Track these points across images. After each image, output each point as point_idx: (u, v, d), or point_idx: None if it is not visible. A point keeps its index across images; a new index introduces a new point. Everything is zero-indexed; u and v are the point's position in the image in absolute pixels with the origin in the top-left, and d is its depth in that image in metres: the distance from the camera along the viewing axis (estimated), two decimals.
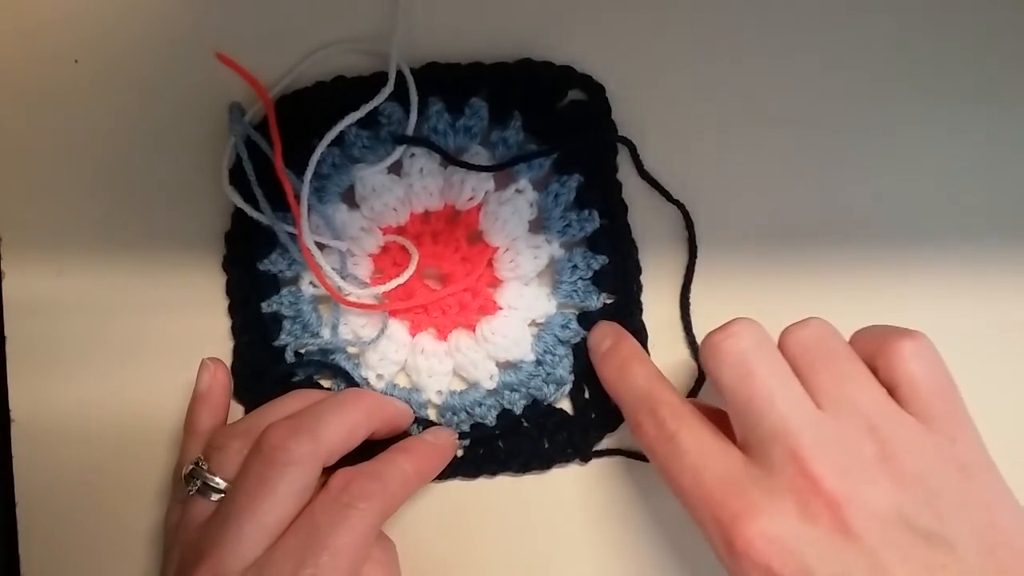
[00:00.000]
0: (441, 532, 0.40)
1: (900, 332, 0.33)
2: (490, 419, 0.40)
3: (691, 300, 0.41)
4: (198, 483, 0.35)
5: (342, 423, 0.35)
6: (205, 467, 0.35)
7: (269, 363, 0.40)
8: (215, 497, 0.34)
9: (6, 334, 0.41)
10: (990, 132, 0.42)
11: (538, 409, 0.40)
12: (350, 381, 0.40)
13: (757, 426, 0.31)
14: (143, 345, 0.41)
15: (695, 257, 0.41)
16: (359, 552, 0.33)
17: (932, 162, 0.42)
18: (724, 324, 0.33)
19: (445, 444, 0.39)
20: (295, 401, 0.37)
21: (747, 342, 0.33)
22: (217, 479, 0.34)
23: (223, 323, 0.41)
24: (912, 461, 0.30)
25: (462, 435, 0.40)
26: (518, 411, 0.40)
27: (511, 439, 0.40)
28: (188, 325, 0.41)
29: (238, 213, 0.39)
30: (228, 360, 0.40)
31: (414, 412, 0.40)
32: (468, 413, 0.40)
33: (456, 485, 0.40)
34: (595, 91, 0.40)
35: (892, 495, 0.30)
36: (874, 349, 0.33)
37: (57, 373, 0.41)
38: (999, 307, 0.41)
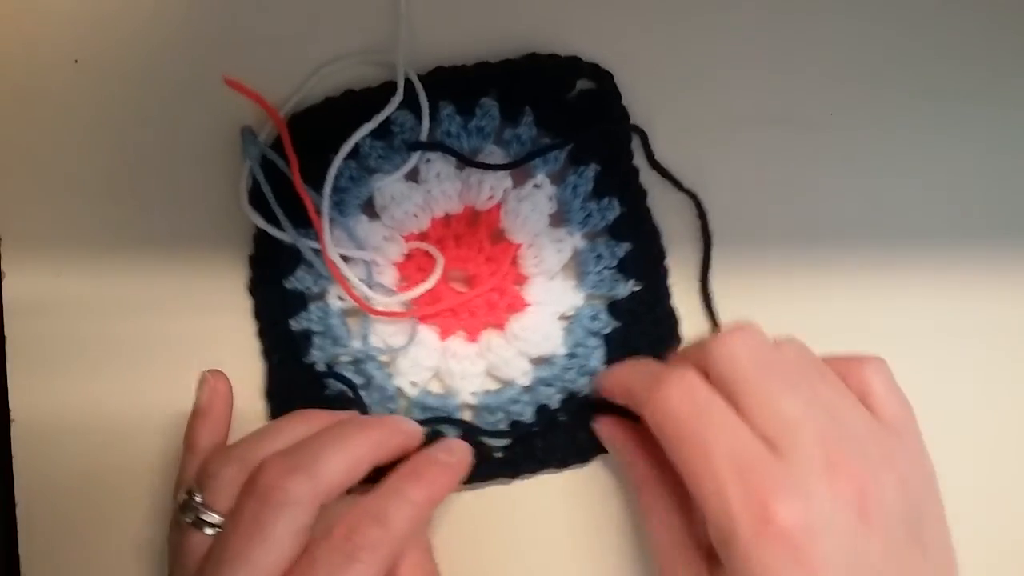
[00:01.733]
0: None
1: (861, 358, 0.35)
2: (528, 416, 0.40)
3: (711, 289, 0.41)
4: (192, 516, 0.33)
5: (343, 459, 0.33)
6: (199, 499, 0.33)
7: (303, 380, 0.40)
8: (210, 531, 0.33)
9: (6, 334, 0.41)
10: (993, 132, 0.42)
11: (575, 401, 0.40)
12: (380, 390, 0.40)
13: (775, 417, 0.31)
14: (143, 345, 0.41)
15: (710, 247, 0.41)
16: None
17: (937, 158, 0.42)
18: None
19: (459, 462, 0.37)
20: (296, 425, 0.36)
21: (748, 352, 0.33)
22: (212, 514, 0.33)
23: (224, 322, 0.41)
24: (905, 467, 0.32)
25: (500, 435, 0.40)
26: (554, 405, 0.40)
27: (549, 435, 0.40)
28: (188, 324, 0.41)
29: (260, 234, 0.39)
30: (255, 378, 0.40)
31: (423, 431, 0.38)
32: (505, 412, 0.40)
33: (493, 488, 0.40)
34: (604, 79, 0.40)
35: (898, 493, 0.31)
36: (841, 372, 0.34)
37: (57, 373, 0.41)
38: (999, 308, 0.42)
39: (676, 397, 0.32)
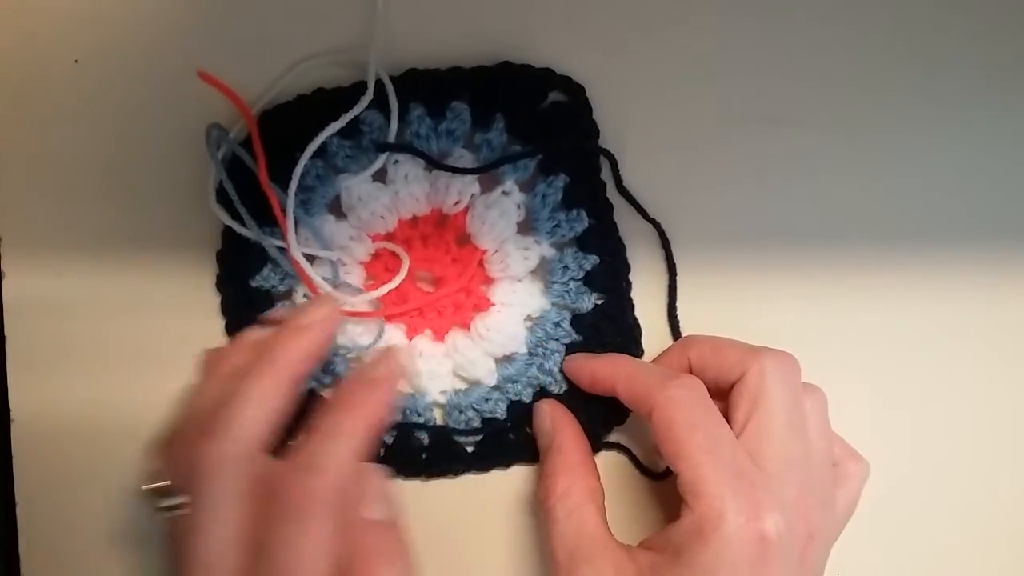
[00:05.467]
0: (453, 524, 0.41)
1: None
2: (500, 412, 0.40)
3: (680, 298, 0.41)
4: (159, 504, 0.33)
5: (254, 405, 0.32)
6: (157, 488, 0.33)
7: None
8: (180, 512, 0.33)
9: (6, 334, 0.41)
10: (983, 133, 0.42)
11: (547, 396, 0.40)
12: None
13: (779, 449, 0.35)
14: (143, 345, 0.41)
15: (675, 274, 0.41)
16: (320, 560, 0.30)
17: (924, 168, 0.42)
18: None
19: (388, 373, 0.35)
20: (211, 390, 0.34)
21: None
22: (174, 497, 0.33)
23: (220, 323, 0.41)
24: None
25: (473, 432, 0.40)
26: (527, 399, 0.40)
27: (521, 430, 0.40)
28: (187, 325, 0.41)
29: (228, 231, 0.39)
30: None
31: (341, 305, 0.37)
32: (475, 410, 0.41)
33: (467, 477, 0.41)
34: (576, 92, 0.40)
35: (825, 550, 0.37)
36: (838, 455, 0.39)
37: (57, 373, 0.41)
38: (996, 309, 0.42)
39: (688, 395, 0.35)
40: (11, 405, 0.41)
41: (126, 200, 0.41)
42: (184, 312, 0.41)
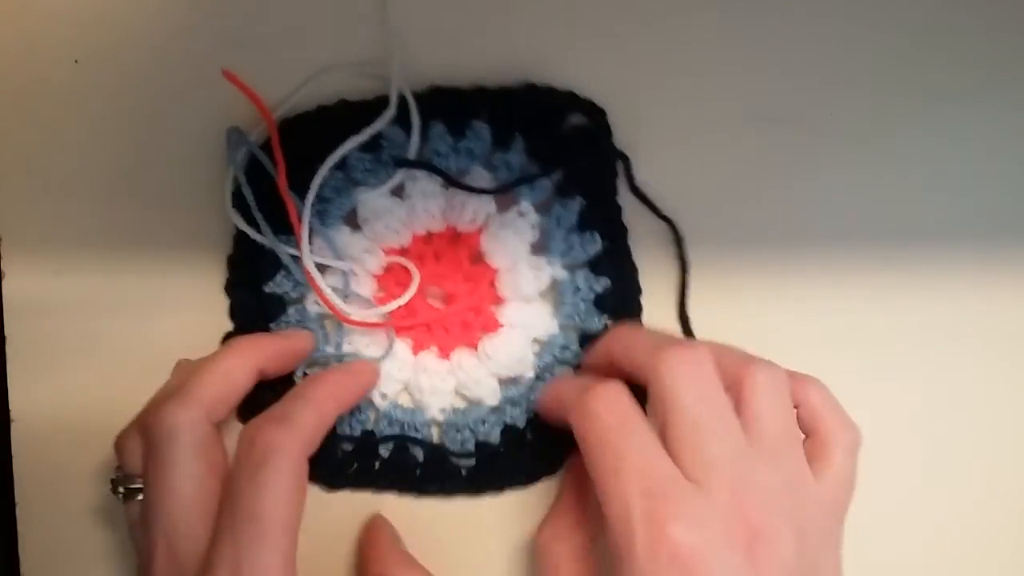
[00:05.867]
0: (444, 543, 0.41)
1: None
2: (494, 436, 0.40)
3: (690, 315, 0.41)
4: (123, 488, 0.35)
5: (212, 374, 0.35)
6: (120, 473, 0.35)
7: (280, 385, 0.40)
8: (140, 496, 0.35)
9: (6, 334, 0.41)
10: (985, 132, 0.42)
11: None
12: None
13: (697, 453, 0.32)
14: (143, 345, 0.41)
15: (687, 272, 0.41)
16: (287, 508, 0.32)
17: (925, 168, 0.42)
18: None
19: (364, 369, 0.40)
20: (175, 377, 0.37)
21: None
22: (135, 480, 0.35)
23: (222, 323, 0.41)
24: (807, 522, 0.32)
25: (467, 455, 0.40)
26: (521, 425, 0.40)
27: (515, 456, 0.40)
28: (190, 327, 0.41)
29: (240, 235, 0.39)
30: None
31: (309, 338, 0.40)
32: (472, 431, 0.40)
33: (461, 500, 0.41)
34: (596, 115, 0.40)
35: (795, 546, 0.31)
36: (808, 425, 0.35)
37: (57, 373, 0.41)
38: (996, 309, 0.42)
39: (602, 407, 0.33)
40: (11, 405, 0.41)
41: (125, 200, 0.41)
42: (185, 313, 0.41)
